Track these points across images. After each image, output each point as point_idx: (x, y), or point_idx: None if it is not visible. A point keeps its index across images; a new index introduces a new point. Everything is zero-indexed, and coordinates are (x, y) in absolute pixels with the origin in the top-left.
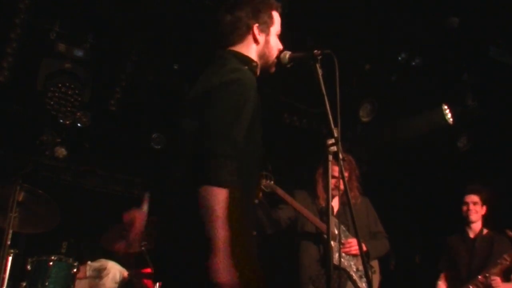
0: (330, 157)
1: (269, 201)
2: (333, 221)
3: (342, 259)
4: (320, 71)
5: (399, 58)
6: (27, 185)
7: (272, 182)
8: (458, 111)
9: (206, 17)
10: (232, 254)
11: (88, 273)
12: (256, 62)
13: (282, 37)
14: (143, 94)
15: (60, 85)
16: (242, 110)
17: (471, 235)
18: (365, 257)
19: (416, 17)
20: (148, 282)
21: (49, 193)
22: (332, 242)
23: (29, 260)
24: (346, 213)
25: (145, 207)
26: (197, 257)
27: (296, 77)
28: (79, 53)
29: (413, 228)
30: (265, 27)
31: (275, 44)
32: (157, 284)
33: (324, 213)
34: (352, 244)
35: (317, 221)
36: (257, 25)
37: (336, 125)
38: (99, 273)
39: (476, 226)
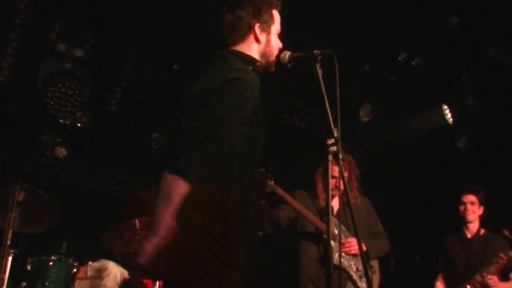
0: (330, 157)
1: (269, 201)
2: (333, 221)
3: (342, 259)
4: (320, 71)
5: (399, 58)
6: (27, 185)
7: (272, 182)
8: (458, 111)
9: (206, 17)
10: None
11: (89, 273)
12: (259, 62)
13: (282, 37)
14: (143, 94)
15: (60, 85)
16: (241, 110)
17: (469, 235)
18: (365, 257)
19: (416, 17)
20: (148, 282)
21: (49, 193)
22: (332, 242)
23: (29, 260)
24: (346, 213)
25: None
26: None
27: (296, 77)
28: (79, 53)
29: (413, 228)
30: (266, 26)
31: (276, 43)
32: (157, 284)
33: (324, 213)
34: (352, 244)
35: (317, 221)
36: (258, 24)
37: (336, 125)
38: (100, 274)
39: (474, 226)
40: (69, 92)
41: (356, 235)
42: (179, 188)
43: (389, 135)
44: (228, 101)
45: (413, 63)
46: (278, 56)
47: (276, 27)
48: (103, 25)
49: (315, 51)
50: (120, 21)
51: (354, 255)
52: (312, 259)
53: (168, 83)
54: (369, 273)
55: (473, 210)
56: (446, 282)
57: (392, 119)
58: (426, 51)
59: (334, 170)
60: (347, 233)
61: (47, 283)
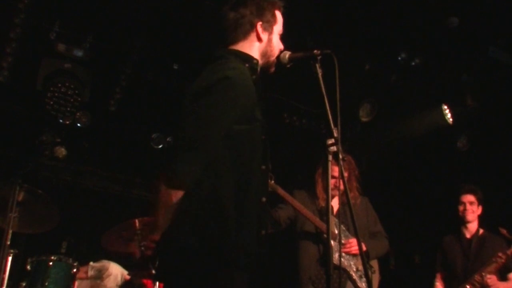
0: (330, 157)
1: (269, 201)
2: (333, 221)
3: (342, 259)
4: (320, 71)
5: (399, 58)
6: (27, 185)
7: (272, 181)
8: (458, 111)
9: (206, 17)
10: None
11: (89, 274)
12: (256, 59)
13: (282, 36)
14: (143, 94)
15: (60, 85)
16: (233, 108)
17: (468, 235)
18: (365, 257)
19: (416, 17)
20: (147, 282)
21: (49, 193)
22: (332, 242)
23: (29, 260)
24: (346, 213)
25: None
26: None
27: (296, 77)
28: (79, 53)
29: (412, 228)
30: (269, 26)
31: (277, 44)
32: (157, 284)
33: (324, 213)
34: (352, 244)
35: (317, 220)
36: (260, 23)
37: (336, 125)
38: (101, 274)
39: (473, 226)
40: (69, 92)
41: (356, 235)
42: (175, 196)
43: (389, 135)
44: (219, 101)
45: (413, 63)
46: (278, 56)
47: (278, 27)
48: (103, 25)
49: (315, 51)
50: (120, 21)
51: (354, 255)
52: (311, 259)
53: (168, 83)
54: (369, 273)
55: (472, 210)
56: (445, 281)
57: (392, 119)
58: (426, 51)
59: (334, 170)
60: (347, 233)
61: (47, 283)
